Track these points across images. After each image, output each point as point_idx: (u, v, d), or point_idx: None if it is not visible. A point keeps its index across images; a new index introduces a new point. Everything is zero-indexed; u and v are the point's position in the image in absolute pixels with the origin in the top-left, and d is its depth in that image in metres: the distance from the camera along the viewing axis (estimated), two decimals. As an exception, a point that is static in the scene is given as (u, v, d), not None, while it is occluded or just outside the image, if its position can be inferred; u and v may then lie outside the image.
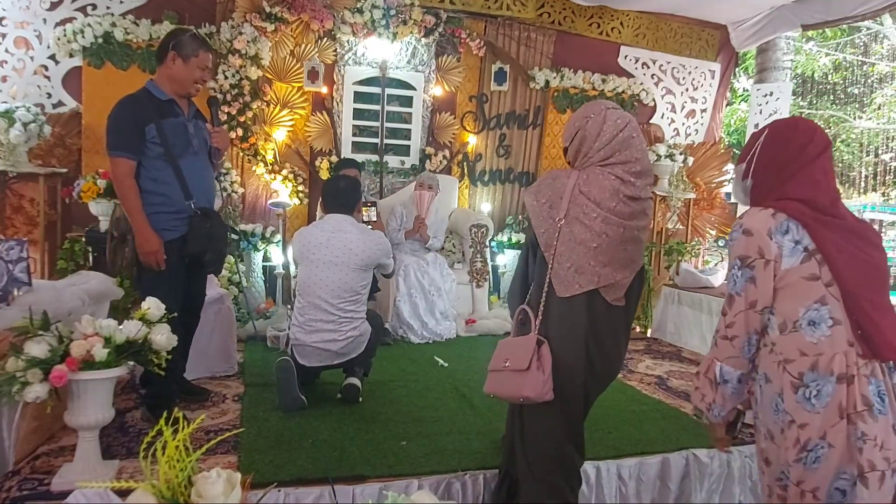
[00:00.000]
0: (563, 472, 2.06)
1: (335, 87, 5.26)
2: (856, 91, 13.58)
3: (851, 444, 1.44)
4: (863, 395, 1.45)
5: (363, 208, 4.22)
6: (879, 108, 13.09)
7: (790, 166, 1.60)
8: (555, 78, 5.69)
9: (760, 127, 1.73)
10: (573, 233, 1.91)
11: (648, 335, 5.16)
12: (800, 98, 13.42)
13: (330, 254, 2.99)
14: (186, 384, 3.08)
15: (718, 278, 5.02)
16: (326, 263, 2.98)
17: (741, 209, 5.87)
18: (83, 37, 4.43)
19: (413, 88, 5.49)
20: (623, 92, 5.91)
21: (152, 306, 2.21)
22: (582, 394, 2.03)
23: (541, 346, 1.94)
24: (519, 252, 2.56)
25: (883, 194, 13.61)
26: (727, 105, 8.32)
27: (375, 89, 5.32)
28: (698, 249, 6.17)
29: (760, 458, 1.64)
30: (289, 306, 4.59)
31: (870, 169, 13.56)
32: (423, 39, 5.35)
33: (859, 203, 12.07)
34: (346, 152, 5.28)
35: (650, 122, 6.26)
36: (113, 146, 2.62)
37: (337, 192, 3.16)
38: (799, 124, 1.69)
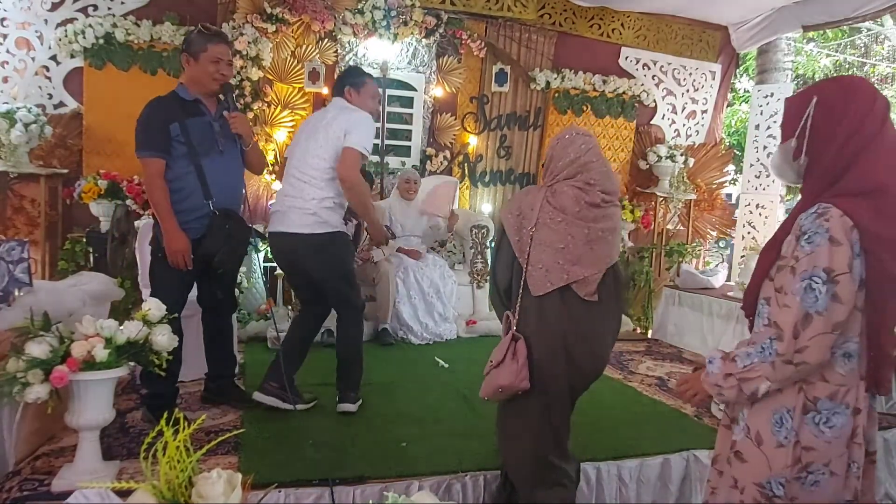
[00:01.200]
0: (542, 470, 2.12)
1: (336, 87, 5.26)
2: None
3: (850, 472, 1.41)
4: (863, 427, 1.42)
5: None
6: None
7: (849, 145, 1.36)
8: (555, 79, 5.69)
9: (801, 89, 1.51)
10: (542, 238, 2.10)
11: (649, 336, 5.15)
12: (800, 99, 13.40)
13: (308, 129, 3.00)
14: (238, 392, 3.06)
15: (719, 279, 5.02)
16: (305, 139, 2.95)
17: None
18: (84, 37, 4.43)
19: (414, 89, 5.49)
20: (623, 93, 5.91)
21: (153, 307, 2.21)
22: (566, 386, 2.11)
23: (517, 342, 2.08)
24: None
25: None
26: (728, 106, 8.31)
27: (376, 90, 5.32)
28: (699, 250, 6.18)
29: (730, 449, 1.53)
30: (289, 307, 4.60)
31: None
32: (423, 40, 5.35)
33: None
34: (347, 153, 5.28)
35: (651, 123, 6.27)
36: (140, 146, 2.65)
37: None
38: (859, 85, 1.42)
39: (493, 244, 5.24)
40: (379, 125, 5.30)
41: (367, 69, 5.19)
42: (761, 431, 1.45)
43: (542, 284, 2.08)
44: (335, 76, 3.26)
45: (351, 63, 5.22)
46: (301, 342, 3.05)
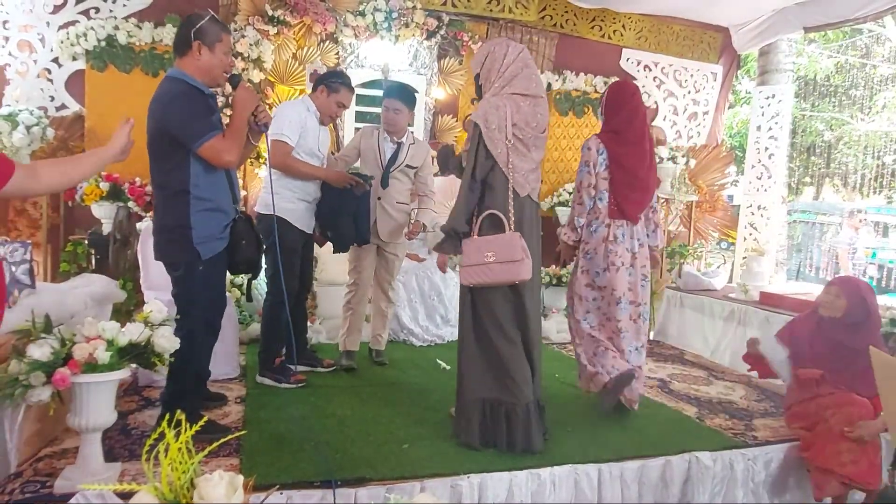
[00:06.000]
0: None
1: (337, 89, 5.25)
2: (857, 93, 13.58)
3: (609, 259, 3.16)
4: (613, 234, 3.07)
5: None
6: (881, 111, 13.09)
7: (620, 119, 3.05)
8: (556, 80, 5.69)
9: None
10: (518, 149, 2.57)
11: (651, 338, 5.14)
12: (802, 100, 13.41)
13: None
14: (208, 392, 3.00)
15: (721, 281, 5.01)
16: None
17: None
18: (86, 40, 4.44)
19: (415, 91, 5.48)
20: (625, 94, 5.90)
21: (154, 309, 2.21)
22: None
23: (522, 239, 2.48)
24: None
25: (886, 197, 13.59)
26: (729, 107, 8.31)
27: (377, 92, 5.32)
28: (701, 252, 6.17)
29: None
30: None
31: (872, 171, 13.55)
32: (425, 42, 5.36)
33: (861, 205, 12.05)
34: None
35: (652, 124, 6.26)
36: (200, 132, 2.30)
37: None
38: (630, 88, 3.15)
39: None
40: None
41: (368, 71, 5.26)
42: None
43: (524, 187, 2.58)
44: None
45: (352, 65, 5.23)
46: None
